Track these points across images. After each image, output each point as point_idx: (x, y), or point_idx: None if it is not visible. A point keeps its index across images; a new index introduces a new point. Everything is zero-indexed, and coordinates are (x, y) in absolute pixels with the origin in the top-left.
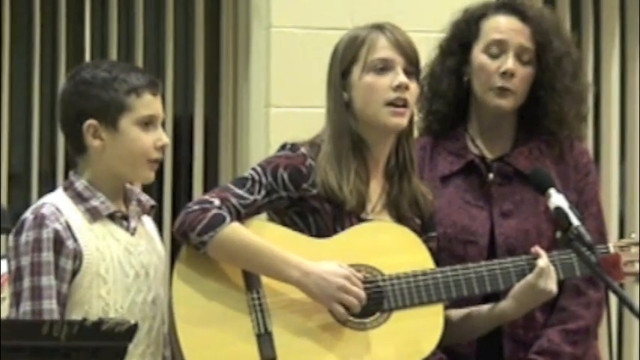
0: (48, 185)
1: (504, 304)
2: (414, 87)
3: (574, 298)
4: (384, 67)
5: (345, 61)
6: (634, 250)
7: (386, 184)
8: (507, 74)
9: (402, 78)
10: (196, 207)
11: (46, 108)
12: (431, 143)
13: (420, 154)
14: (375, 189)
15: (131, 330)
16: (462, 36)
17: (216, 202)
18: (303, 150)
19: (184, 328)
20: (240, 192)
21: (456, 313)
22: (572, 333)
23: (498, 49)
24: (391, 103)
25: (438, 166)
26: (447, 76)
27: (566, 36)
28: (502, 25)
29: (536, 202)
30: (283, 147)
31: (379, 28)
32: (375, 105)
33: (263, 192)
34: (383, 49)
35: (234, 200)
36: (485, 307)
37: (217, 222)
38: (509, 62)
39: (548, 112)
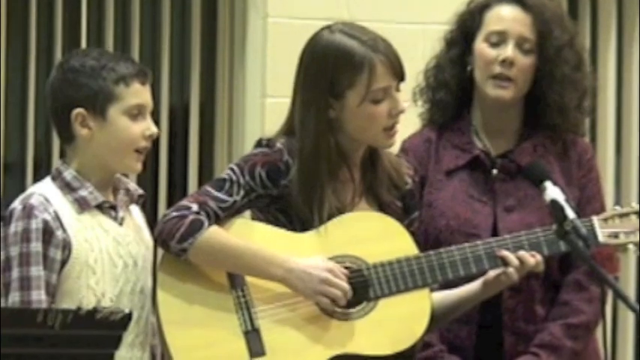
0: (43, 174)
1: (475, 287)
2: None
3: (576, 293)
4: (384, 95)
5: (339, 83)
6: (617, 221)
7: (361, 174)
8: (507, 62)
9: (401, 106)
10: (174, 214)
11: (42, 97)
12: (436, 136)
13: (425, 146)
14: (350, 184)
15: (125, 319)
16: (466, 27)
17: (194, 207)
18: (279, 145)
19: (171, 331)
20: (219, 194)
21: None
22: (574, 327)
23: (498, 38)
24: (389, 128)
25: (443, 160)
26: (451, 66)
27: (569, 27)
28: (503, 16)
29: (539, 197)
30: (259, 143)
31: (373, 48)
32: (374, 131)
33: (242, 192)
34: (383, 78)
35: (212, 204)
36: (457, 290)
37: (196, 228)
38: (508, 50)
39: (549, 103)
